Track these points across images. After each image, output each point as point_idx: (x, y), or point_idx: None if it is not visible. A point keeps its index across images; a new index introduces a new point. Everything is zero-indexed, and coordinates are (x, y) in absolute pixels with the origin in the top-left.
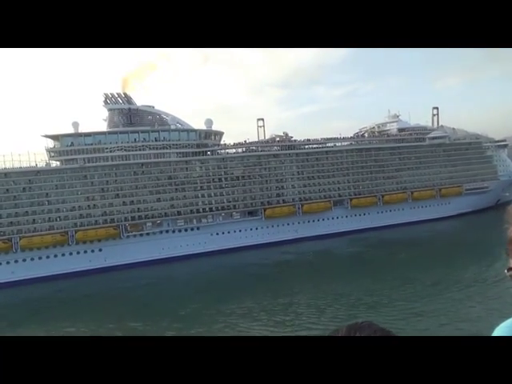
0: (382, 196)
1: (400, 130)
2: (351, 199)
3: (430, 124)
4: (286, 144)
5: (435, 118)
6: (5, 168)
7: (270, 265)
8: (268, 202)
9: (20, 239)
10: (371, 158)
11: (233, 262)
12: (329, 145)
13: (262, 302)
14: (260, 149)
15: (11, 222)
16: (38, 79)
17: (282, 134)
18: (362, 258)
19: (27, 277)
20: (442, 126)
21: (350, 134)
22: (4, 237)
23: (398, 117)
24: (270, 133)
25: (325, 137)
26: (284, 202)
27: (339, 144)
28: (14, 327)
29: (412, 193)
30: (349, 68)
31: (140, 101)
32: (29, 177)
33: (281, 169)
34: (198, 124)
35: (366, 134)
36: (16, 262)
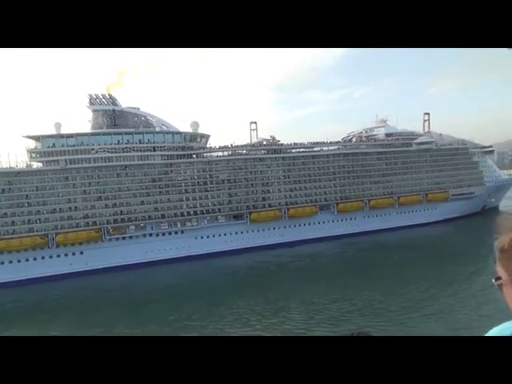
0: (369, 201)
1: (387, 134)
2: (338, 204)
3: (420, 129)
4: (272, 148)
5: (426, 123)
6: None
7: (261, 268)
8: (253, 205)
9: None
10: (358, 162)
11: (220, 265)
12: (316, 149)
13: (254, 307)
14: (246, 152)
15: None
16: (21, 79)
17: (269, 138)
18: (353, 262)
19: (4, 280)
20: (429, 131)
21: (339, 139)
22: None
23: (385, 122)
24: (263, 136)
25: (317, 141)
26: (270, 206)
27: (326, 148)
28: None
29: (399, 198)
30: (344, 71)
31: (127, 102)
32: (8, 178)
33: (267, 172)
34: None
35: (354, 139)
36: None
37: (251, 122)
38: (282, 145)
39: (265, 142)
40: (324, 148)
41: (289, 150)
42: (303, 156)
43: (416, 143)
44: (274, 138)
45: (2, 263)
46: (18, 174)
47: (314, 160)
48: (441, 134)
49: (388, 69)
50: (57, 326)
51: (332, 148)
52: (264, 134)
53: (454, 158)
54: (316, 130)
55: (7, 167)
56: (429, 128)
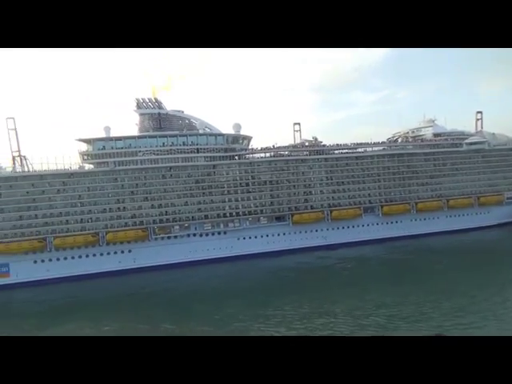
0: (416, 203)
1: (435, 134)
2: (382, 206)
3: (471, 129)
4: (314, 149)
5: (478, 122)
6: (41, 170)
7: (305, 270)
8: (296, 207)
9: (54, 239)
10: (404, 163)
11: (263, 266)
12: (359, 150)
13: (298, 309)
14: (288, 153)
15: (46, 222)
16: (75, 84)
17: (311, 139)
18: (400, 266)
19: (61, 275)
20: (481, 131)
21: (383, 140)
22: (39, 236)
23: (433, 121)
24: (305, 137)
25: (360, 142)
26: (312, 207)
27: (370, 149)
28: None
29: (448, 201)
30: (386, 71)
31: (172, 105)
32: (63, 179)
33: (309, 174)
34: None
35: (400, 139)
36: (50, 260)
37: (295, 123)
38: (324, 146)
39: (307, 143)
40: (368, 149)
41: (331, 151)
42: (346, 157)
43: (467, 143)
44: (316, 139)
45: (58, 259)
46: (71, 175)
47: (358, 161)
48: (494, 134)
49: (432, 68)
50: (110, 322)
51: (376, 149)
52: (305, 135)
53: (508, 159)
54: (358, 132)
55: (62, 169)
56: (481, 127)
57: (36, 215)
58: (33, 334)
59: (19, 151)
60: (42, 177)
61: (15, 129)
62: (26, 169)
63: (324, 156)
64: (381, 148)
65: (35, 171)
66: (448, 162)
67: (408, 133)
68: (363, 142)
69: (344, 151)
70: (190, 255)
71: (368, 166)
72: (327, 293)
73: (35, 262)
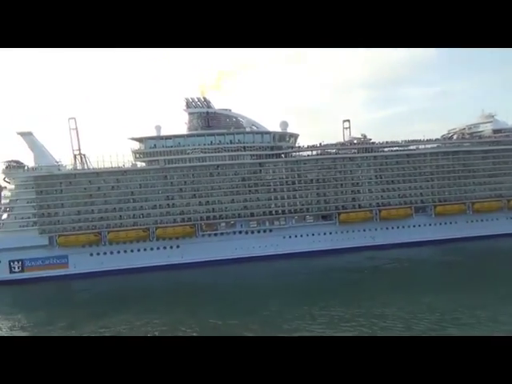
0: (473, 204)
1: (495, 131)
2: (435, 206)
3: None
4: (363, 146)
5: None
6: (97, 168)
7: (354, 270)
8: (343, 206)
9: (108, 233)
10: (460, 161)
11: (310, 265)
12: (411, 147)
13: (346, 310)
14: (335, 151)
15: (101, 217)
16: (132, 84)
17: (359, 137)
18: (458, 269)
19: (114, 268)
20: None
21: (437, 137)
22: (95, 230)
23: (492, 117)
24: (354, 135)
25: (412, 139)
26: (360, 206)
27: (423, 147)
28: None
29: (509, 201)
30: (439, 66)
31: (220, 104)
32: (117, 176)
33: (357, 172)
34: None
35: (455, 136)
36: (105, 253)
37: (344, 120)
38: (373, 143)
39: (355, 141)
40: (420, 146)
41: (381, 149)
42: (397, 155)
43: None
44: (365, 137)
45: (111, 253)
46: (124, 172)
47: (409, 159)
48: None
49: (488, 62)
50: (162, 315)
51: (429, 146)
52: (354, 132)
53: None
54: (409, 129)
55: (116, 166)
56: None
57: (92, 210)
58: (89, 322)
59: (80, 150)
60: (98, 174)
61: (76, 128)
62: (85, 166)
63: (373, 154)
64: (434, 145)
65: (92, 169)
66: (510, 160)
67: (464, 129)
68: (415, 139)
69: (394, 149)
70: (236, 252)
71: (420, 165)
72: (378, 294)
73: (91, 254)
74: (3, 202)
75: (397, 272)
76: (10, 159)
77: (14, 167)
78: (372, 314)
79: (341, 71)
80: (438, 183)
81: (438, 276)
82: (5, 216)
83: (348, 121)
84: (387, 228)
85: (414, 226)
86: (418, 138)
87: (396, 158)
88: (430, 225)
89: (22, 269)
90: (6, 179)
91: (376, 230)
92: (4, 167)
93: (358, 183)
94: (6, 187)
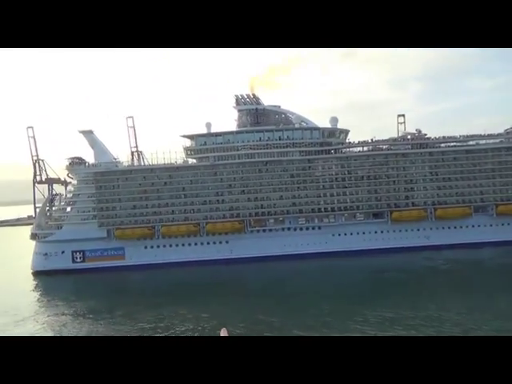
0: None
1: None
2: (497, 205)
3: None
4: (417, 142)
5: None
6: (151, 164)
7: (409, 271)
8: (395, 204)
9: (161, 227)
10: None
11: (362, 264)
12: (470, 143)
13: (400, 312)
14: (388, 147)
15: (155, 212)
16: (181, 84)
17: (414, 132)
18: None
19: (166, 261)
20: None
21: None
22: (149, 224)
23: None
24: (405, 131)
25: (472, 134)
26: (414, 205)
27: (483, 142)
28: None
29: None
30: (507, 54)
31: (270, 100)
32: (169, 172)
33: (411, 169)
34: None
35: None
36: (158, 247)
37: (399, 115)
38: (428, 139)
39: (409, 136)
40: (481, 141)
41: (437, 145)
42: (454, 151)
43: None
44: (419, 132)
45: (164, 246)
46: (176, 168)
47: (468, 155)
48: None
49: None
50: (216, 306)
51: (491, 141)
52: (409, 127)
53: None
54: (471, 122)
55: (169, 163)
56: None
57: (146, 205)
58: (144, 312)
59: (137, 147)
60: (152, 170)
61: (134, 126)
62: (141, 163)
63: (428, 150)
64: (497, 141)
65: (146, 165)
66: None
67: None
68: (475, 134)
69: (451, 144)
70: (284, 249)
71: (480, 161)
72: (435, 297)
73: (145, 247)
74: (68, 196)
75: (455, 274)
76: (73, 156)
77: (76, 164)
78: (428, 317)
79: (395, 64)
80: (501, 181)
81: (500, 280)
82: (69, 209)
83: (403, 115)
84: (443, 228)
85: (472, 227)
86: (479, 133)
87: (453, 154)
88: (490, 225)
89: (84, 259)
90: (70, 175)
91: (431, 229)
92: (67, 163)
93: (411, 180)
94: (71, 182)
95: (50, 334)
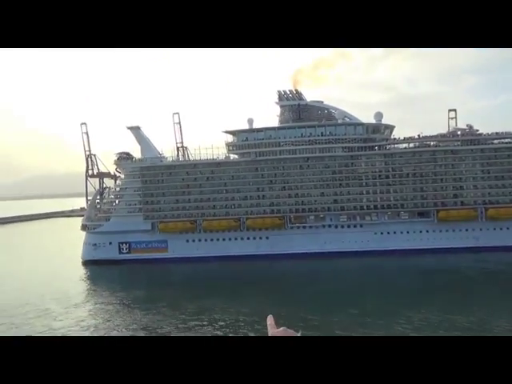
0: None
1: None
2: None
3: None
4: (468, 138)
5: None
6: (194, 160)
7: (460, 273)
8: (442, 203)
9: (203, 221)
10: None
11: (409, 264)
12: None
13: (445, 315)
14: (435, 144)
15: (197, 206)
16: (223, 79)
17: (464, 127)
18: None
19: (207, 254)
20: None
21: None
22: (191, 218)
23: None
24: (456, 126)
25: None
26: (462, 204)
27: None
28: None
29: None
30: None
31: (313, 96)
32: (212, 168)
33: (460, 166)
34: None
35: None
36: (199, 240)
37: (450, 110)
38: (480, 135)
39: (459, 132)
40: None
41: (489, 141)
42: (509, 147)
43: None
44: (471, 127)
45: (205, 240)
46: (218, 164)
47: None
48: None
49: None
50: (256, 298)
51: None
52: (461, 123)
53: None
54: None
55: (211, 159)
56: None
57: (189, 199)
58: (184, 303)
59: (182, 142)
60: (194, 165)
61: (179, 122)
62: (186, 158)
63: (480, 146)
64: None
65: (189, 160)
66: None
67: None
68: None
69: (506, 141)
70: (325, 246)
71: None
72: (487, 302)
73: (187, 241)
74: (116, 189)
75: (508, 277)
76: (121, 151)
77: (124, 158)
78: (480, 320)
79: (446, 55)
80: None
81: None
82: (116, 202)
83: (454, 110)
84: (494, 228)
85: None
86: None
87: (508, 151)
88: None
89: (129, 250)
90: (118, 169)
91: (481, 230)
92: (116, 158)
93: (460, 178)
94: (119, 176)
95: (97, 321)
